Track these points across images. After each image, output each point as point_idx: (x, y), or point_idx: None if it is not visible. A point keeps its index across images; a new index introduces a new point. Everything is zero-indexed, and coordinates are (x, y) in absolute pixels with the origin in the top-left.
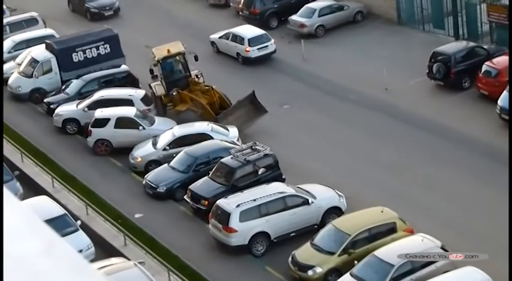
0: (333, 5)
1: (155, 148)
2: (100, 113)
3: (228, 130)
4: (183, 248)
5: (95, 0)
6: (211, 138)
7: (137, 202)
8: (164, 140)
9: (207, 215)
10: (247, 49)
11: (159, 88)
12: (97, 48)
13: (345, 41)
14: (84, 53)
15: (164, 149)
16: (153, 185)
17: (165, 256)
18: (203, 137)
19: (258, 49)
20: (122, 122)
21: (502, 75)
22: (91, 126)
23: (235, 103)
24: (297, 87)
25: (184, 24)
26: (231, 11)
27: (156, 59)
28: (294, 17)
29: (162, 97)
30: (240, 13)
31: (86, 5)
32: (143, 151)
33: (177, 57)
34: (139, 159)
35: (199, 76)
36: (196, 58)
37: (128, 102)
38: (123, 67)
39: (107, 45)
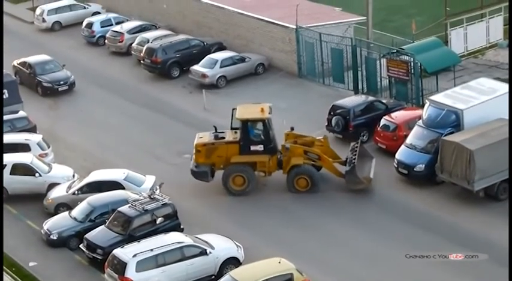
0: (235, 56)
1: (67, 191)
2: None
3: (144, 179)
4: None
5: (47, 73)
6: (123, 187)
7: (32, 250)
8: (79, 184)
9: (103, 265)
10: None
11: (263, 157)
12: None
13: (246, 92)
14: None
15: (74, 194)
16: (47, 231)
17: None
18: (116, 185)
19: None
20: (18, 169)
21: (400, 129)
22: None
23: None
24: None
25: (84, 71)
26: (133, 59)
27: (264, 119)
28: (195, 67)
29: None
30: (142, 62)
31: (37, 78)
32: (56, 193)
33: None
34: (50, 200)
35: (293, 128)
36: None
37: (24, 147)
38: (21, 113)
39: (5, 91)
